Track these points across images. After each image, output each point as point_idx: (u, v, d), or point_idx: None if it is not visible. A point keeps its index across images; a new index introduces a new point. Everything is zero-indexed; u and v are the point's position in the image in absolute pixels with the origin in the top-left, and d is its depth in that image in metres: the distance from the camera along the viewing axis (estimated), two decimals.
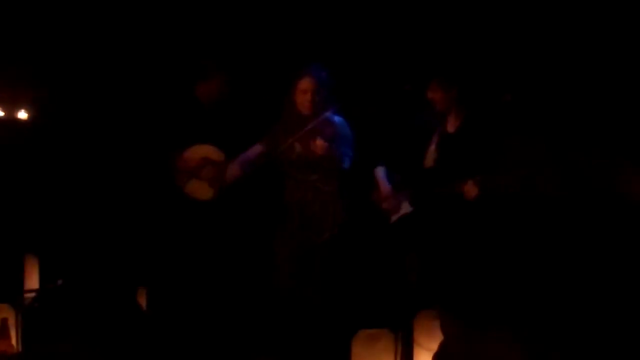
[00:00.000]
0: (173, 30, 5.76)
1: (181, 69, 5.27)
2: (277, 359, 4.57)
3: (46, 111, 6.26)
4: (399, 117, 4.90)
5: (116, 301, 4.56)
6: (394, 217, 4.73)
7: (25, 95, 6.28)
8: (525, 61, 4.85)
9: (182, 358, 4.63)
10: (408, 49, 5.31)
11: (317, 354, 4.56)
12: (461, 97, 4.53)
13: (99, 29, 5.93)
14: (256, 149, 4.85)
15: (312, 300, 4.69)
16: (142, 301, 4.98)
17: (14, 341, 4.29)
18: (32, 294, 5.06)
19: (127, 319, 4.44)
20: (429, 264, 4.54)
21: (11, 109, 6.28)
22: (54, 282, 5.02)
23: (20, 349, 4.28)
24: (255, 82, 5.47)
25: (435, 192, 4.48)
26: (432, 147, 4.63)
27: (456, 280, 4.37)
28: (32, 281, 5.23)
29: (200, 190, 4.93)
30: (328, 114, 4.64)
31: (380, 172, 4.81)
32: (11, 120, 6.28)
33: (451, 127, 4.58)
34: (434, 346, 3.89)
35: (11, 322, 4.27)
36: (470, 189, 4.30)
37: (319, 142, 4.55)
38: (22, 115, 6.29)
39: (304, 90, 4.65)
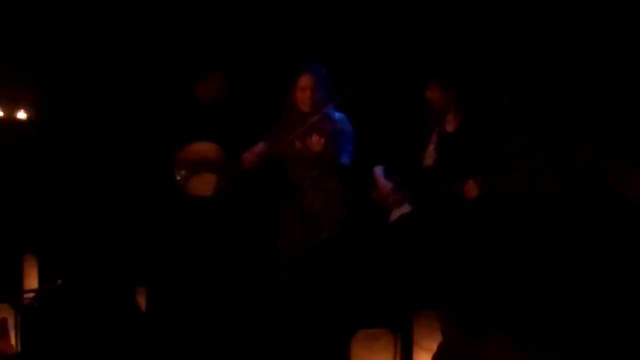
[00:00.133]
0: (172, 29, 5.75)
1: (181, 68, 5.28)
2: (277, 359, 4.57)
3: (46, 111, 6.25)
4: (398, 116, 4.89)
5: (115, 301, 4.56)
6: (393, 217, 4.73)
7: (24, 95, 6.27)
8: (525, 62, 4.84)
9: (181, 358, 4.63)
10: (407, 49, 5.30)
11: (316, 354, 4.56)
12: (460, 97, 4.53)
13: (99, 28, 5.93)
14: (259, 147, 4.85)
15: (311, 299, 4.69)
16: (141, 301, 4.98)
17: (13, 341, 4.29)
18: (31, 294, 5.06)
19: (126, 319, 4.45)
20: (428, 264, 4.53)
21: (11, 109, 6.27)
22: (53, 282, 5.02)
23: (19, 348, 4.28)
24: (255, 80, 5.47)
25: (435, 191, 4.48)
26: (431, 147, 4.63)
27: (456, 280, 4.37)
28: (31, 281, 5.23)
29: (200, 187, 4.93)
30: (327, 110, 4.66)
31: (378, 170, 4.81)
32: (11, 121, 6.27)
33: (450, 127, 4.58)
34: (433, 346, 3.89)
35: (10, 322, 4.27)
36: (471, 189, 4.29)
37: (315, 139, 4.58)
38: (22, 115, 6.28)
39: (303, 88, 4.68)
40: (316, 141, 4.59)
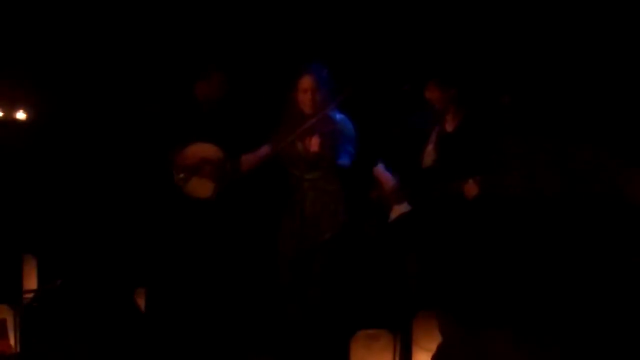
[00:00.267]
0: (172, 29, 5.75)
1: (180, 68, 5.27)
2: (277, 359, 4.56)
3: (45, 112, 6.24)
4: (397, 116, 4.89)
5: (114, 302, 4.55)
6: (393, 216, 4.72)
7: (23, 95, 6.26)
8: (524, 61, 4.84)
9: (181, 358, 4.63)
10: (406, 49, 5.30)
11: (316, 354, 4.56)
12: (459, 97, 4.53)
13: (98, 29, 5.92)
14: (264, 150, 4.85)
15: (311, 299, 4.68)
16: (141, 301, 4.97)
17: (12, 341, 4.29)
18: (31, 295, 5.06)
19: (125, 320, 4.44)
20: (428, 265, 4.53)
21: (10, 109, 6.26)
22: (52, 282, 5.01)
23: (18, 349, 4.28)
24: (254, 81, 5.47)
25: (434, 191, 4.48)
26: (430, 147, 4.62)
27: (455, 280, 4.36)
28: (31, 281, 5.23)
29: (200, 188, 4.93)
30: (328, 111, 4.66)
31: (380, 168, 4.81)
32: (10, 121, 6.26)
33: (449, 127, 4.57)
34: (433, 347, 3.89)
35: (10, 323, 4.27)
36: (470, 189, 4.29)
37: (314, 140, 4.59)
38: (21, 115, 6.27)
39: (305, 89, 4.67)
40: (315, 142, 4.60)
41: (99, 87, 5.97)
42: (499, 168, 4.25)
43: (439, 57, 4.85)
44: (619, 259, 4.25)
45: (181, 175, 4.92)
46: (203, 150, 4.94)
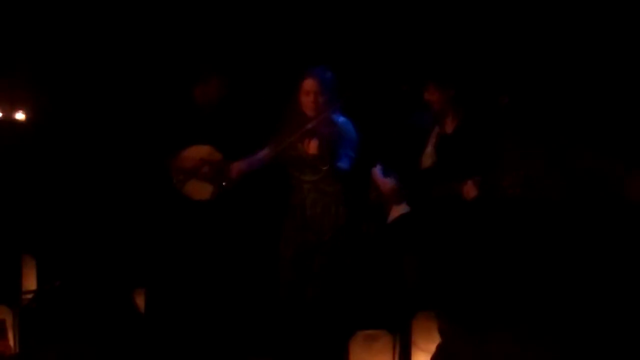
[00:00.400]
0: (171, 32, 5.75)
1: (179, 72, 5.27)
2: (277, 359, 4.57)
3: (44, 112, 6.24)
4: (396, 117, 4.90)
5: (113, 302, 4.55)
6: (391, 218, 4.73)
7: (23, 96, 6.26)
8: (523, 62, 4.85)
9: (180, 359, 4.63)
10: (405, 50, 5.30)
11: (315, 355, 4.56)
12: (458, 99, 4.53)
13: (98, 31, 5.93)
14: (263, 152, 4.85)
15: (311, 300, 4.69)
16: (140, 302, 4.97)
17: (11, 342, 4.29)
18: (30, 295, 5.06)
19: (125, 320, 4.44)
20: (427, 266, 4.54)
21: (9, 110, 6.26)
22: (51, 283, 5.01)
23: (17, 349, 4.27)
24: (253, 84, 5.47)
25: (433, 192, 4.48)
26: (429, 148, 4.63)
27: (454, 281, 4.37)
28: (30, 282, 5.22)
29: (199, 190, 4.94)
30: (330, 114, 4.66)
31: (378, 171, 4.81)
32: (9, 122, 6.26)
33: (448, 128, 4.58)
34: (432, 348, 3.89)
35: (9, 323, 4.27)
36: (469, 190, 4.29)
37: (313, 142, 4.59)
38: (20, 116, 6.27)
39: (308, 92, 4.68)
40: (313, 144, 4.61)
41: (98, 89, 5.97)
42: (497, 169, 4.25)
43: (438, 58, 4.86)
44: (619, 259, 4.26)
45: (180, 177, 4.92)
46: (201, 152, 4.95)
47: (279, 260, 4.81)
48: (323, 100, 4.66)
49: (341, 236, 4.73)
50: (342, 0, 5.49)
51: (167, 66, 5.61)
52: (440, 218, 4.45)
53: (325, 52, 5.10)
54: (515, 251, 4.33)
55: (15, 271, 5.20)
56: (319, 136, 4.62)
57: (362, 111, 5.00)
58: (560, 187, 4.27)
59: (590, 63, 4.67)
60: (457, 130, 4.54)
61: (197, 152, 4.95)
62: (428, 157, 4.63)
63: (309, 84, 4.68)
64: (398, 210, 4.70)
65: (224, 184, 4.88)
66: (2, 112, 6.28)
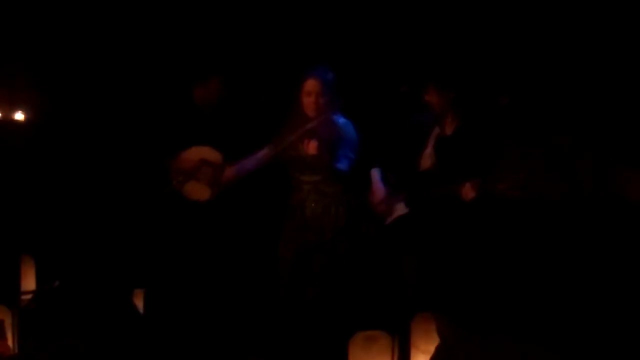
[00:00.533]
0: (171, 33, 5.75)
1: (179, 72, 5.27)
2: (276, 359, 4.57)
3: (43, 113, 6.25)
4: (395, 118, 4.89)
5: (113, 302, 4.55)
6: (389, 219, 4.73)
7: (22, 96, 6.26)
8: (522, 63, 4.85)
9: (179, 359, 4.63)
10: (405, 51, 5.30)
11: (315, 355, 4.56)
12: (458, 100, 4.53)
13: (97, 31, 5.93)
14: (263, 152, 4.85)
15: (311, 300, 4.69)
16: (139, 302, 4.97)
17: (10, 342, 4.28)
18: (29, 296, 5.06)
19: (124, 321, 4.44)
20: (426, 267, 4.53)
21: (8, 110, 6.26)
22: (50, 283, 5.01)
23: (16, 350, 4.27)
24: (253, 85, 5.47)
25: (432, 194, 4.48)
26: (429, 150, 4.63)
27: (453, 283, 4.37)
28: (29, 282, 5.22)
29: (198, 191, 4.94)
30: (330, 115, 4.66)
31: (375, 174, 4.81)
32: (8, 122, 6.26)
33: (448, 129, 4.58)
34: (431, 349, 3.88)
35: (7, 324, 4.26)
36: (468, 191, 4.29)
37: (312, 142, 4.59)
38: (19, 116, 6.27)
39: (309, 92, 4.67)
40: (312, 144, 4.61)
41: (97, 89, 5.97)
42: (496, 170, 4.25)
43: (437, 59, 4.85)
44: (619, 259, 4.26)
45: (179, 178, 4.92)
46: (201, 153, 4.95)
47: (278, 261, 4.81)
48: (324, 101, 4.66)
49: (341, 237, 4.72)
50: (342, 1, 5.49)
51: (167, 67, 5.60)
52: (440, 219, 4.45)
53: (325, 53, 5.09)
54: (515, 252, 4.33)
55: (14, 271, 5.20)
56: (319, 137, 4.61)
57: (362, 112, 5.00)
58: (559, 189, 4.26)
59: (590, 63, 4.67)
60: (456, 133, 4.53)
61: (197, 153, 4.95)
62: (427, 158, 4.62)
63: (310, 84, 4.68)
64: (397, 212, 4.70)
65: (215, 187, 4.88)
66: (1, 113, 6.29)
